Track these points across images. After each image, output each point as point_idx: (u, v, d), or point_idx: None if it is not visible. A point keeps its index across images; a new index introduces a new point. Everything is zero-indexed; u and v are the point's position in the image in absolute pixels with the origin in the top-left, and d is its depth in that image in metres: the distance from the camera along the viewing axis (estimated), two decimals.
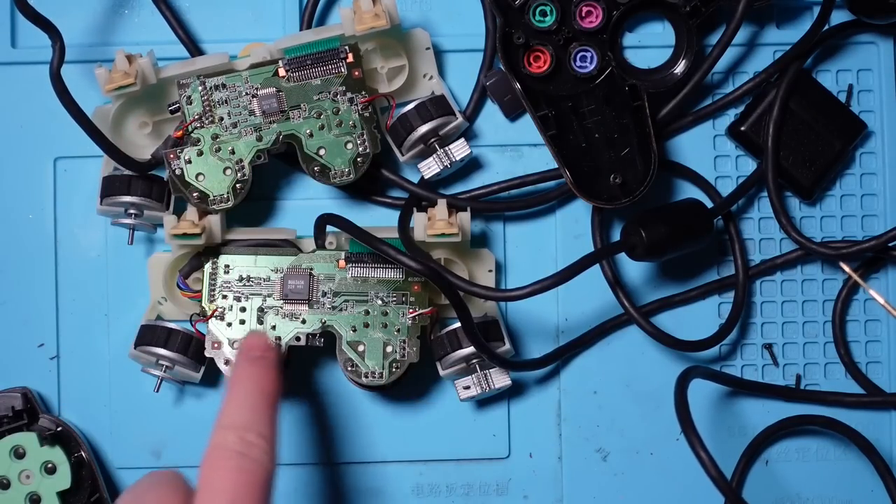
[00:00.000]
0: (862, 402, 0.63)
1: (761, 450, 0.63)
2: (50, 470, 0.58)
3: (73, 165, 0.61)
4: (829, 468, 0.63)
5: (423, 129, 0.58)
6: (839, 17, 0.62)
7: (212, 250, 0.57)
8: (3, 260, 0.61)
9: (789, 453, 0.63)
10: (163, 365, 0.57)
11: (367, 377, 0.56)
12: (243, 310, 0.57)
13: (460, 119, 0.58)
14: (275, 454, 0.47)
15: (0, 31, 0.61)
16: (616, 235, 0.61)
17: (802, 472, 0.63)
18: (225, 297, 0.57)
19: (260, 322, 0.57)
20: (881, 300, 0.63)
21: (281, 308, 0.57)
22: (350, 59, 0.57)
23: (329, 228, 0.56)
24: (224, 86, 0.57)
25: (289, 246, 0.58)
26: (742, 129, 0.61)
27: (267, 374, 0.50)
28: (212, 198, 0.57)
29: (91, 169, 0.60)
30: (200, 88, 0.56)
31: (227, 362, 0.56)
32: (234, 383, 0.50)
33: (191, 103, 0.56)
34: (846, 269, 0.63)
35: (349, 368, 0.56)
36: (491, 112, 0.62)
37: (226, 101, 0.57)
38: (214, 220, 0.56)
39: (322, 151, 0.57)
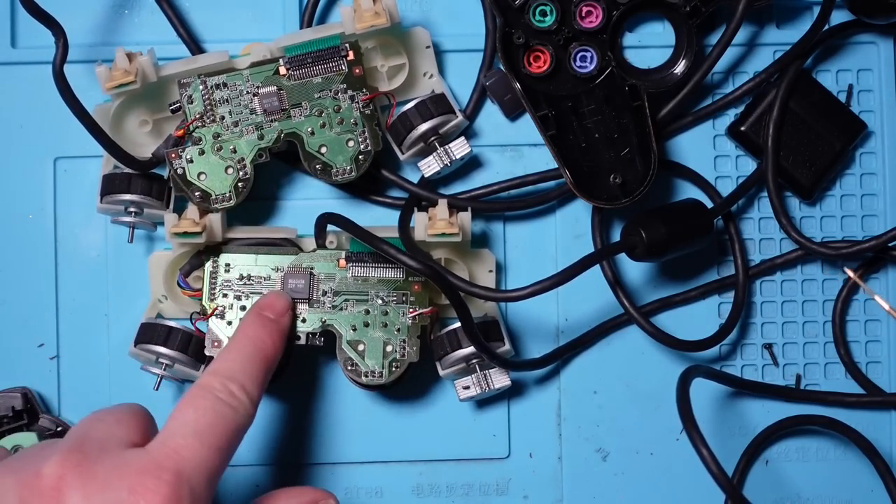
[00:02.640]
0: (862, 402, 0.63)
1: (761, 450, 0.63)
2: None
3: (73, 165, 0.61)
4: (829, 468, 0.63)
5: (424, 127, 0.58)
6: (839, 17, 0.62)
7: (212, 249, 0.57)
8: (3, 260, 0.61)
9: (789, 453, 0.63)
10: (163, 363, 0.57)
11: (366, 376, 0.56)
12: (244, 308, 0.57)
13: (460, 117, 0.58)
14: (252, 413, 0.50)
15: (0, 31, 0.61)
16: (616, 235, 0.61)
17: (802, 472, 0.63)
18: (225, 295, 0.57)
19: None
20: (886, 306, 0.63)
21: None
22: (351, 56, 0.57)
23: (330, 227, 0.56)
24: (225, 85, 0.57)
25: (289, 245, 0.58)
26: (742, 129, 0.61)
27: (271, 338, 0.53)
28: (214, 197, 0.57)
29: (91, 169, 0.60)
30: (201, 87, 0.56)
31: None
32: (237, 336, 0.52)
33: (192, 102, 0.57)
34: (850, 273, 0.63)
35: (349, 368, 0.56)
36: (491, 112, 0.62)
37: (227, 100, 0.57)
38: (215, 219, 0.57)
39: (324, 149, 0.57)
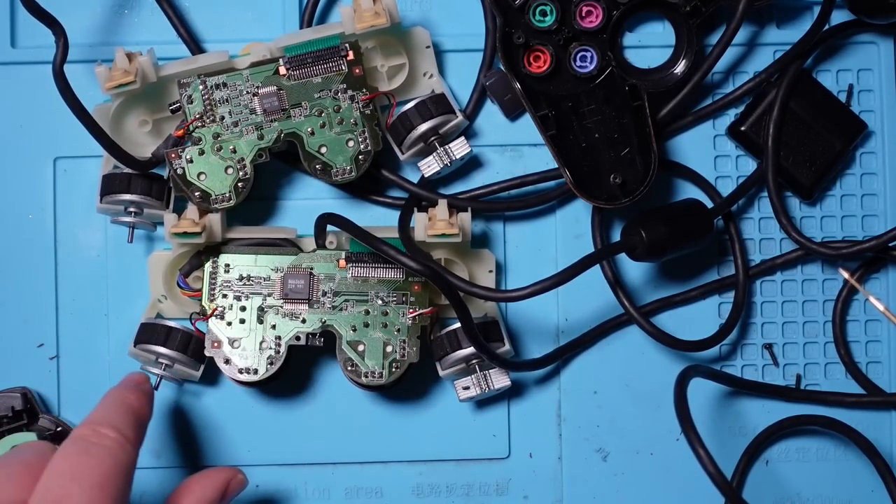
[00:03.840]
0: (862, 402, 0.63)
1: (761, 450, 0.63)
2: None
3: (73, 165, 0.61)
4: (829, 468, 0.63)
5: (423, 127, 0.58)
6: (839, 17, 0.62)
7: (212, 249, 0.57)
8: (3, 260, 0.61)
9: (789, 453, 0.63)
10: (162, 363, 0.57)
11: (366, 377, 0.56)
12: (243, 309, 0.57)
13: (460, 117, 0.58)
14: (130, 450, 0.49)
15: (0, 31, 0.61)
16: (616, 235, 0.61)
17: (802, 472, 0.63)
18: (225, 296, 0.57)
19: (260, 321, 0.57)
20: (881, 307, 0.63)
21: (281, 307, 0.57)
22: (351, 56, 0.57)
23: (330, 228, 0.56)
24: (225, 85, 0.57)
25: (289, 245, 0.58)
26: (742, 129, 0.61)
27: (134, 395, 0.52)
28: (214, 197, 0.57)
29: (91, 169, 0.61)
30: (201, 87, 0.56)
31: (227, 361, 0.56)
32: (103, 398, 0.52)
33: (192, 102, 0.57)
34: (845, 274, 0.63)
35: (349, 368, 0.56)
36: (491, 112, 0.62)
37: (227, 100, 0.57)
38: (215, 219, 0.57)
39: (323, 149, 0.57)
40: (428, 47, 0.60)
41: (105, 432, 0.48)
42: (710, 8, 0.59)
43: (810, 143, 0.61)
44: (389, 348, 0.57)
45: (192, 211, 0.56)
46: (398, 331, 0.57)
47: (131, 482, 0.48)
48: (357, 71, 0.57)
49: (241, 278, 0.57)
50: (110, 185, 0.57)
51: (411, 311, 0.57)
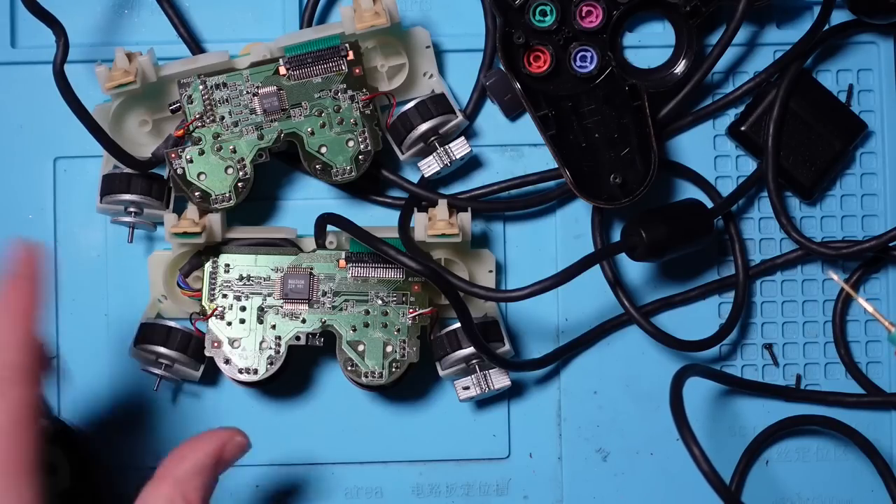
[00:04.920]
0: (862, 402, 0.63)
1: (761, 450, 0.63)
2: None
3: (73, 165, 0.61)
4: (829, 468, 0.63)
5: (423, 127, 0.58)
6: (839, 17, 0.62)
7: (212, 249, 0.57)
8: (3, 260, 0.61)
9: (789, 453, 0.63)
10: (162, 363, 0.57)
11: (366, 377, 0.56)
12: (243, 309, 0.57)
13: (460, 117, 0.58)
14: (27, 378, 0.43)
15: (0, 31, 0.61)
16: (616, 235, 0.61)
17: (802, 472, 0.63)
18: (225, 296, 0.57)
19: (260, 321, 0.57)
20: (870, 308, 0.62)
21: (281, 307, 0.57)
22: (351, 56, 0.57)
23: (330, 228, 0.56)
24: (225, 85, 0.57)
25: (289, 245, 0.58)
26: (742, 129, 0.61)
27: (24, 292, 0.46)
28: (214, 197, 0.57)
29: (91, 169, 0.60)
30: (201, 87, 0.56)
31: (227, 361, 0.56)
32: None
33: (192, 102, 0.57)
34: (834, 276, 0.63)
35: (349, 368, 0.56)
36: (491, 112, 0.62)
37: (227, 100, 0.57)
38: (215, 219, 0.57)
39: (323, 149, 0.57)
40: (428, 47, 0.60)
41: (3, 375, 0.43)
42: (710, 8, 0.59)
43: (810, 143, 0.61)
44: (389, 348, 0.57)
45: (192, 211, 0.56)
46: (398, 331, 0.57)
47: (40, 411, 0.44)
48: (357, 71, 0.57)
49: (241, 278, 0.57)
50: (110, 185, 0.57)
51: (411, 311, 0.57)
